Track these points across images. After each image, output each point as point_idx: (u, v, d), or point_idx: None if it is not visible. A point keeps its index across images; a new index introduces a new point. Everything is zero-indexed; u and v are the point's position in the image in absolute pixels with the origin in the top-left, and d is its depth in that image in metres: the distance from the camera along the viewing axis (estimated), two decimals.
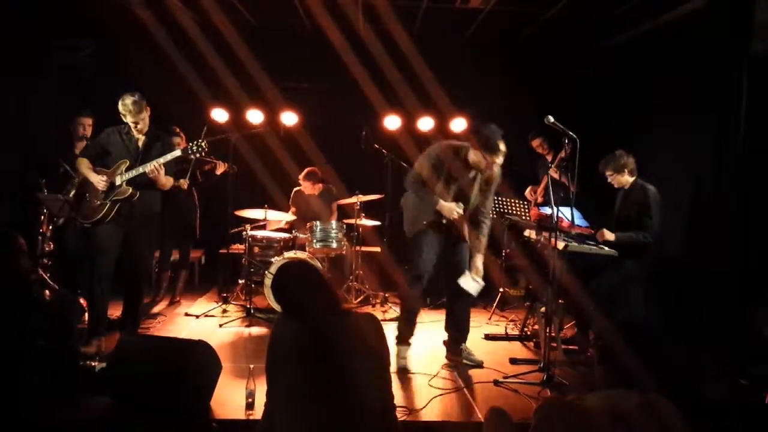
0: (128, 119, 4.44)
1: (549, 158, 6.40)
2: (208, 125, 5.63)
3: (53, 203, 5.08)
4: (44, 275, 5.13)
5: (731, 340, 4.54)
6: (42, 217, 5.20)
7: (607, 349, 3.71)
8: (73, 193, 4.98)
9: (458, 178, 4.33)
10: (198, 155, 4.56)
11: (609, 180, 4.94)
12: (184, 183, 5.81)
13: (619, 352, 3.21)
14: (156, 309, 6.01)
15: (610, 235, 4.73)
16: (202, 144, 4.51)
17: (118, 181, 4.42)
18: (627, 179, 4.88)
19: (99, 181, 4.39)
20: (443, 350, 4.82)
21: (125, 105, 4.41)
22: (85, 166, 4.48)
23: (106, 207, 4.41)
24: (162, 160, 4.39)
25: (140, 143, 4.53)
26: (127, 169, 4.43)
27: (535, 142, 6.20)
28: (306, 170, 6.55)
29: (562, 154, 5.59)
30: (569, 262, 4.54)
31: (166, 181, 4.51)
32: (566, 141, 4.19)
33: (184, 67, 6.29)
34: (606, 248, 4.62)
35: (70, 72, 6.21)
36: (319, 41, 6.86)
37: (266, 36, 6.84)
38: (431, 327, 5.62)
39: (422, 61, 6.47)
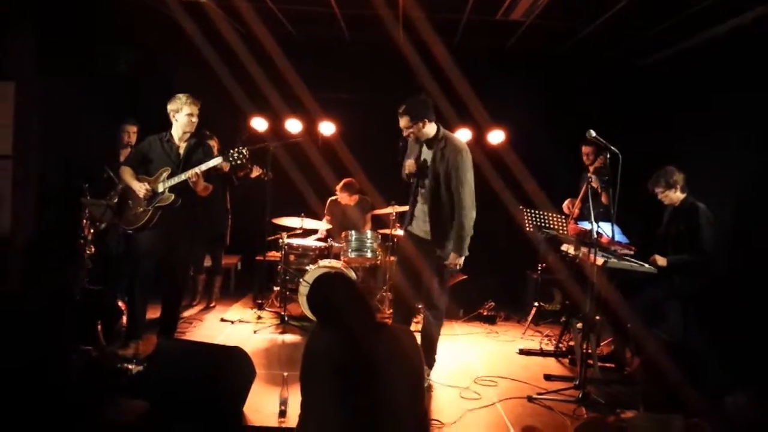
0: (184, 112, 4.48)
1: (591, 171, 6.29)
2: (245, 132, 5.68)
3: (96, 208, 5.20)
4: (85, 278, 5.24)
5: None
6: (84, 222, 5.32)
7: (649, 368, 3.64)
8: (116, 200, 5.09)
9: None
10: (239, 162, 4.58)
11: (659, 197, 4.82)
12: (208, 187, 5.87)
13: (661, 371, 3.15)
14: (192, 313, 6.09)
15: (662, 261, 4.61)
16: (243, 151, 4.55)
17: (160, 188, 4.50)
18: (678, 196, 4.77)
19: (140, 188, 4.48)
20: (476, 363, 4.78)
21: (179, 99, 4.50)
22: (128, 174, 4.58)
23: (149, 213, 4.50)
24: (204, 167, 4.44)
25: (181, 150, 4.61)
26: (169, 177, 4.50)
27: (586, 149, 6.09)
28: (344, 181, 6.58)
29: (599, 164, 5.54)
30: (609, 278, 4.47)
31: (205, 188, 4.57)
32: (607, 155, 4.13)
33: (226, 76, 6.39)
34: (646, 265, 4.53)
35: (115, 79, 6.37)
36: (358, 52, 6.93)
37: (306, 47, 6.91)
38: (464, 339, 5.59)
39: (460, 72, 6.47)
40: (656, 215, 5.03)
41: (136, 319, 4.65)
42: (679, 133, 6.05)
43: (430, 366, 4.39)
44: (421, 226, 4.31)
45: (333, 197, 6.78)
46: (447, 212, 4.15)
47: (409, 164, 4.35)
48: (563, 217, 5.59)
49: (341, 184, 6.57)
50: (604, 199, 5.66)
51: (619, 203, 4.29)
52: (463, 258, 4.15)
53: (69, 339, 4.20)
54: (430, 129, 4.20)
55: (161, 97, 4.66)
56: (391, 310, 6.24)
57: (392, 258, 6.26)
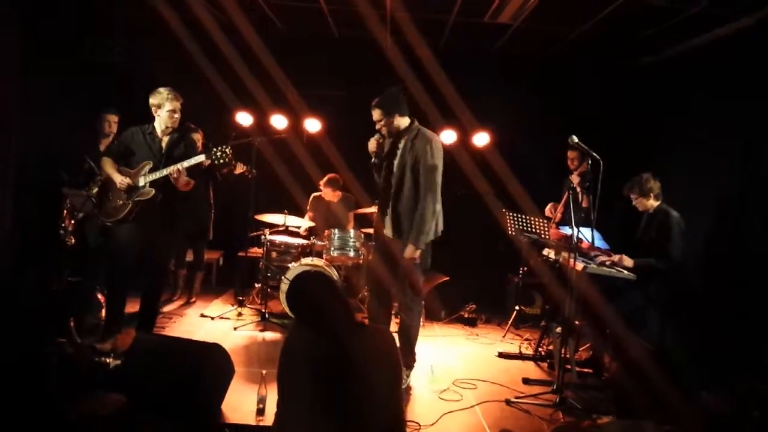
0: (166, 108, 4.44)
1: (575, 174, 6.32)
2: (235, 132, 5.63)
3: (76, 198, 5.14)
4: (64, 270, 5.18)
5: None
6: (65, 212, 5.26)
7: (625, 373, 3.68)
8: (96, 190, 5.03)
9: None
10: (222, 161, 4.54)
11: (633, 203, 4.88)
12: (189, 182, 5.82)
13: (636, 377, 3.18)
14: (172, 308, 6.05)
15: (628, 261, 4.67)
16: (227, 150, 4.51)
17: (141, 182, 4.45)
18: (652, 203, 4.83)
19: (121, 181, 4.42)
20: (455, 365, 4.79)
21: (160, 94, 4.45)
22: (109, 165, 4.52)
23: (129, 207, 4.45)
24: (186, 164, 4.40)
25: (163, 144, 4.56)
26: (151, 171, 4.45)
27: (572, 154, 6.12)
28: (327, 176, 6.57)
29: (583, 168, 5.59)
30: (589, 283, 4.50)
31: (187, 183, 4.53)
32: (589, 161, 4.17)
33: (211, 70, 6.35)
34: (625, 271, 4.57)
35: (97, 70, 6.30)
36: (345, 50, 6.91)
37: (293, 43, 6.88)
38: (444, 341, 5.60)
39: (446, 74, 6.49)
40: (638, 220, 5.07)
41: (115, 312, 4.60)
42: (665, 137, 6.11)
43: (409, 367, 4.38)
44: (389, 225, 4.30)
45: (316, 193, 6.76)
46: (412, 207, 4.13)
47: (371, 143, 4.37)
48: (545, 221, 5.62)
49: (325, 179, 6.56)
50: (584, 203, 5.70)
51: (602, 208, 4.33)
52: (419, 252, 4.10)
53: (46, 332, 4.16)
54: (401, 122, 4.20)
55: (143, 88, 4.60)
56: None
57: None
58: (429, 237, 4.11)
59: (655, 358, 3.85)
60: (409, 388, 4.27)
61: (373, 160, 4.43)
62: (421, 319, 5.28)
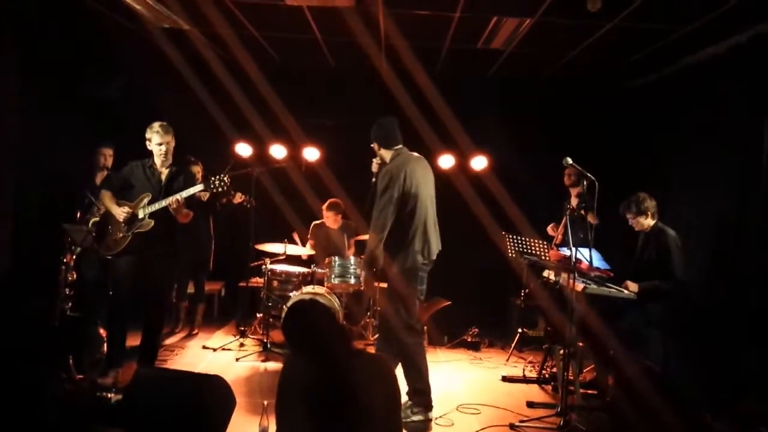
0: (154, 141, 4.50)
1: (574, 193, 6.33)
2: (233, 161, 5.67)
3: (77, 233, 5.16)
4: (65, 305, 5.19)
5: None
6: (66, 247, 5.27)
7: (625, 393, 3.64)
8: (92, 222, 5.06)
9: None
10: (220, 189, 4.58)
11: (630, 222, 4.89)
12: (188, 214, 5.83)
13: (637, 399, 3.15)
14: (174, 340, 6.03)
15: (633, 287, 4.65)
16: (224, 179, 4.56)
17: (140, 214, 4.48)
18: (648, 222, 4.83)
19: (120, 213, 4.45)
20: (459, 390, 4.75)
21: (152, 128, 4.51)
22: (107, 198, 4.56)
23: (128, 239, 4.47)
24: (185, 194, 4.43)
25: (163, 177, 4.60)
26: (150, 203, 4.48)
27: (568, 170, 6.14)
28: (329, 201, 6.60)
29: (580, 190, 5.60)
30: (589, 304, 4.49)
31: (186, 215, 4.56)
32: (584, 182, 4.19)
33: (210, 102, 6.43)
34: (625, 291, 4.56)
35: (96, 104, 6.37)
36: (342, 79, 6.98)
37: (290, 73, 6.97)
38: (447, 366, 5.56)
39: (443, 99, 6.55)
40: (637, 240, 5.07)
41: (116, 346, 4.59)
42: (661, 157, 6.13)
43: (414, 402, 4.15)
44: None
45: (317, 221, 6.78)
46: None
47: (374, 165, 4.44)
48: (545, 242, 5.62)
49: (327, 203, 6.58)
50: (591, 218, 5.68)
51: (602, 227, 4.32)
52: (368, 276, 4.14)
53: (46, 368, 4.15)
54: (384, 154, 4.28)
55: (142, 121, 4.65)
56: (375, 336, 6.23)
57: (376, 284, 6.24)
58: (373, 262, 4.12)
59: (657, 379, 3.82)
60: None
61: (373, 180, 4.49)
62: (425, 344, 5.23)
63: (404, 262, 4.10)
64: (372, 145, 4.33)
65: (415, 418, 4.08)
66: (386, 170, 4.15)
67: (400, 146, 4.30)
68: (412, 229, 4.11)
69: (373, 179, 4.46)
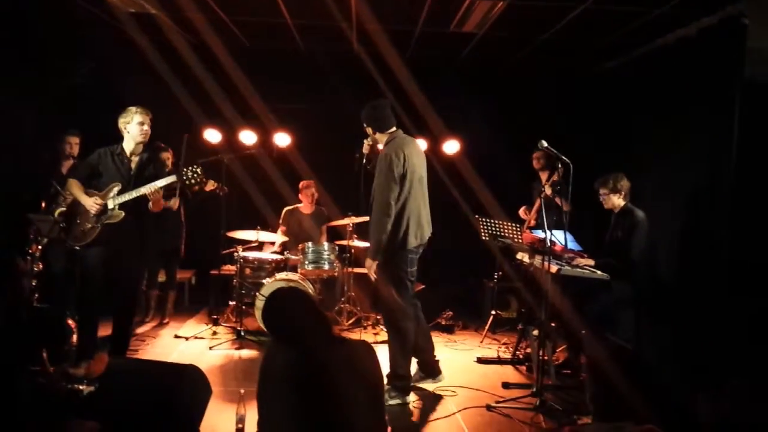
0: (135, 121, 4.37)
1: (544, 177, 6.38)
2: (188, 140, 5.48)
3: (44, 224, 5.04)
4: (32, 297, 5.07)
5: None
6: (32, 237, 5.15)
7: (600, 375, 3.69)
8: (59, 212, 4.94)
9: None
10: (194, 180, 4.51)
11: (601, 199, 4.95)
12: (175, 203, 5.75)
13: (611, 377, 3.19)
14: (145, 330, 5.94)
15: (589, 261, 4.75)
16: (198, 170, 4.49)
17: (110, 204, 4.36)
18: (619, 202, 4.90)
19: (92, 204, 4.33)
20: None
21: (129, 111, 4.40)
22: (76, 187, 4.42)
23: (98, 230, 4.37)
24: (160, 183, 4.34)
25: (133, 165, 4.49)
26: (119, 193, 4.38)
27: (537, 154, 6.19)
28: (302, 182, 6.57)
29: (555, 177, 5.64)
30: (562, 285, 4.54)
31: (160, 204, 4.47)
32: (559, 165, 4.22)
33: (178, 88, 6.30)
34: (599, 272, 4.62)
35: (63, 91, 6.20)
36: (312, 62, 6.90)
37: (259, 57, 6.85)
38: None
39: (415, 83, 6.52)
40: (609, 222, 5.13)
41: (87, 337, 4.49)
42: (635, 138, 6.18)
43: (396, 387, 4.21)
44: None
45: (289, 207, 6.72)
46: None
47: (365, 146, 4.47)
48: (518, 225, 5.66)
49: (303, 183, 6.54)
50: (565, 206, 5.74)
51: (576, 208, 4.35)
52: (375, 263, 4.15)
53: (15, 361, 4.05)
54: (379, 138, 4.29)
55: (109, 108, 4.54)
56: (350, 322, 6.24)
57: (349, 269, 6.23)
58: (380, 246, 4.11)
59: (629, 357, 3.89)
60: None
61: (363, 161, 4.47)
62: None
63: (397, 244, 4.12)
64: (365, 129, 4.33)
65: (393, 402, 4.11)
66: (385, 153, 4.15)
67: (395, 129, 4.30)
68: (407, 211, 4.13)
69: (363, 161, 4.45)
